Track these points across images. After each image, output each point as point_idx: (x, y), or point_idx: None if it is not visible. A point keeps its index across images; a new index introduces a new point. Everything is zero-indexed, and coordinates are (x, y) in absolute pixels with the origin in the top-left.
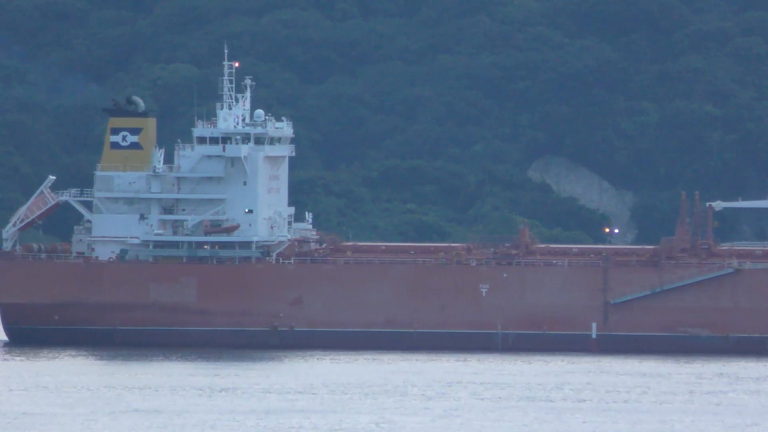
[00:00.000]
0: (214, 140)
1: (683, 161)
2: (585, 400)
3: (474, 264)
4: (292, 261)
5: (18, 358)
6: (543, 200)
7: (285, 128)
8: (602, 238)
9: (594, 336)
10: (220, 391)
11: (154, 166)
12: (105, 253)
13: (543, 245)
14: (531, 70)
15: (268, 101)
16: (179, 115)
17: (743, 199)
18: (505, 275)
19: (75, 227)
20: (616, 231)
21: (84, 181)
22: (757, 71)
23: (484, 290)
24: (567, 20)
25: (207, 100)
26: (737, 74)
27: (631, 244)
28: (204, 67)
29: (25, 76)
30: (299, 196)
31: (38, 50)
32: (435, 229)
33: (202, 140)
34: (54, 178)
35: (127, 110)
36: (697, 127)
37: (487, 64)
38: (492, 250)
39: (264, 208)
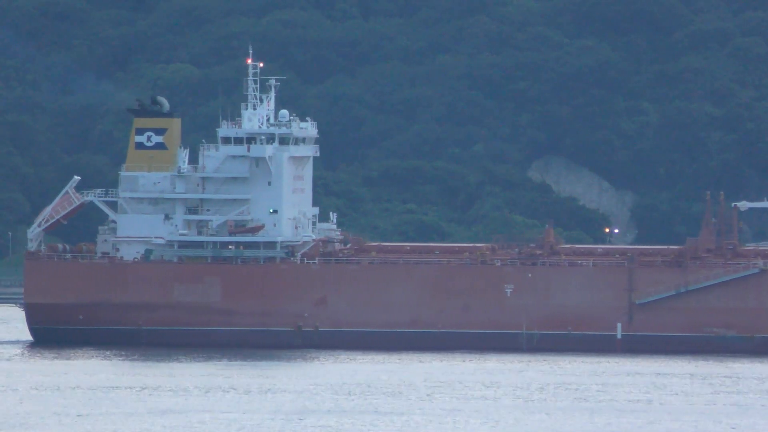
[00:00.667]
0: (238, 140)
1: (683, 161)
2: (632, 401)
3: (498, 264)
4: (316, 261)
5: (44, 359)
6: (543, 200)
7: (309, 128)
8: (602, 238)
9: (619, 336)
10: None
11: (179, 167)
12: (130, 253)
13: (567, 245)
14: (531, 70)
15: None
16: (178, 115)
17: (743, 199)
18: (529, 275)
19: (99, 227)
20: (616, 231)
21: (84, 181)
22: (757, 71)
23: (508, 290)
24: (567, 20)
25: (206, 100)
26: (737, 74)
27: (631, 244)
28: (204, 67)
29: (25, 76)
30: None
31: (38, 50)
32: (435, 229)
33: (226, 140)
34: (79, 178)
35: (151, 111)
36: (697, 127)
37: (487, 64)
38: (516, 250)
39: (288, 208)
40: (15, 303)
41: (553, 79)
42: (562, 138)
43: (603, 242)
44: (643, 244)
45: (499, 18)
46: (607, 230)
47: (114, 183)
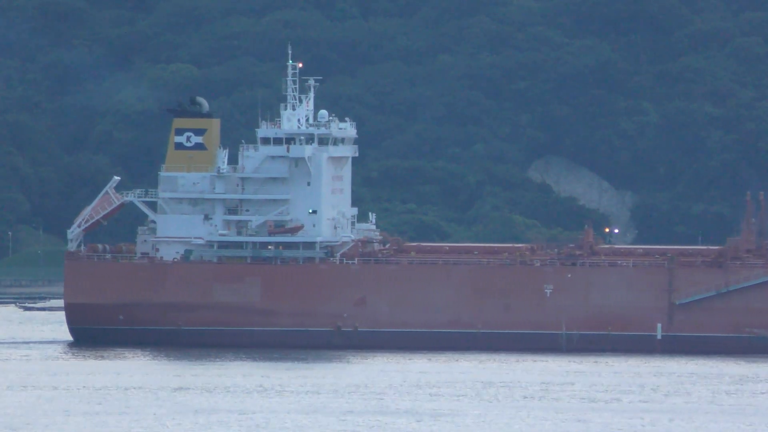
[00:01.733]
0: (278, 141)
1: (683, 161)
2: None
3: (538, 264)
4: (355, 261)
5: (85, 359)
6: (543, 200)
7: (348, 129)
8: (602, 238)
9: (659, 337)
10: (299, 393)
11: (219, 167)
12: (169, 253)
13: (607, 245)
14: (531, 70)
15: (269, 101)
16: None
17: (743, 199)
18: (569, 276)
19: (139, 228)
20: (616, 231)
21: (85, 180)
22: (757, 71)
23: (548, 291)
24: (567, 20)
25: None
26: (737, 74)
27: (631, 244)
28: (204, 67)
29: (25, 76)
30: None
31: (38, 50)
32: (435, 229)
33: (266, 141)
34: (119, 178)
35: (191, 111)
36: (697, 127)
37: (487, 64)
38: (556, 250)
39: (327, 208)
40: (15, 303)
41: (553, 79)
42: (562, 138)
43: (603, 242)
44: (644, 244)
45: (499, 18)
46: (607, 230)
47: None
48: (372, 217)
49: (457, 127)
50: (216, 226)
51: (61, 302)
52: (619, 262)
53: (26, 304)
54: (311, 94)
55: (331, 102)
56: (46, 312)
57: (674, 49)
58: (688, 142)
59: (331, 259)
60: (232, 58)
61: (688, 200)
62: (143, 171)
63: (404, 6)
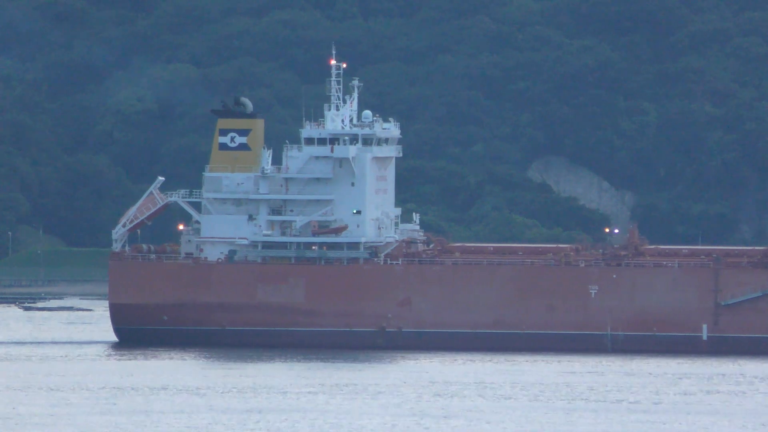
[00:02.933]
0: (322, 141)
1: (683, 161)
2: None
3: (583, 265)
4: (400, 262)
5: (134, 358)
6: (543, 200)
7: (392, 129)
8: (602, 238)
9: (705, 338)
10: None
11: (263, 167)
12: (214, 253)
13: (652, 246)
14: (531, 70)
15: (269, 101)
16: (179, 115)
17: (743, 199)
18: (614, 276)
19: (183, 228)
20: (616, 231)
21: (85, 179)
22: (757, 71)
23: (593, 291)
24: (567, 20)
25: (206, 99)
26: (737, 74)
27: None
28: (204, 66)
29: (25, 76)
30: None
31: (38, 50)
32: (435, 229)
33: (310, 141)
34: (163, 179)
35: (235, 111)
36: (697, 127)
37: (487, 64)
38: (601, 251)
39: (372, 208)
40: (15, 303)
41: (553, 79)
42: (562, 138)
43: (603, 242)
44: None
45: (499, 18)
46: (607, 230)
47: (115, 183)
48: (416, 217)
49: (457, 127)
50: (260, 226)
51: (61, 302)
52: (664, 262)
53: (26, 304)
54: (355, 95)
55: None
56: (81, 312)
57: (674, 49)
58: (688, 142)
59: (376, 259)
60: (232, 58)
61: (688, 200)
62: (143, 171)
63: (404, 6)
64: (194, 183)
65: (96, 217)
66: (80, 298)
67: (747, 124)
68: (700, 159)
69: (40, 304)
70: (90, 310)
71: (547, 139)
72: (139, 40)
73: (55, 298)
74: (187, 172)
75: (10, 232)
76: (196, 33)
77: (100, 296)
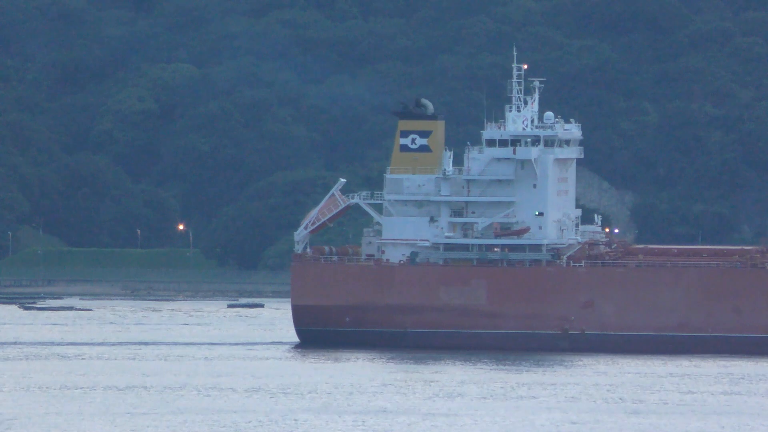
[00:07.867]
0: (503, 143)
1: (683, 161)
2: None
3: None
4: (582, 264)
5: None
6: None
7: (574, 130)
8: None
9: None
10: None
11: (444, 169)
12: (395, 255)
13: None
14: (531, 70)
15: (269, 100)
16: (178, 115)
17: (743, 199)
18: None
19: (364, 230)
20: (616, 231)
21: (85, 179)
22: (757, 71)
23: None
24: (567, 20)
25: (205, 99)
26: (737, 74)
27: (631, 244)
28: (204, 67)
29: (25, 76)
30: (299, 195)
31: (38, 50)
32: None
33: (491, 143)
34: (345, 180)
35: (416, 113)
36: (697, 127)
37: (487, 64)
38: None
39: (553, 210)
40: (16, 303)
41: (553, 79)
42: None
43: None
44: (643, 244)
45: (499, 18)
46: (607, 230)
47: (115, 183)
48: (597, 218)
49: (457, 126)
50: (442, 228)
51: (61, 302)
52: None
53: (26, 304)
54: (536, 96)
55: (331, 102)
56: (251, 308)
57: (674, 49)
58: (688, 142)
59: (558, 261)
60: (232, 58)
61: (688, 200)
62: (144, 171)
63: (404, 6)
64: (194, 183)
65: (96, 217)
66: (80, 298)
67: (747, 124)
68: (700, 159)
69: (39, 304)
70: (89, 309)
71: None
72: (139, 40)
73: (54, 298)
74: (188, 173)
75: (10, 232)
76: (196, 33)
77: (99, 296)
